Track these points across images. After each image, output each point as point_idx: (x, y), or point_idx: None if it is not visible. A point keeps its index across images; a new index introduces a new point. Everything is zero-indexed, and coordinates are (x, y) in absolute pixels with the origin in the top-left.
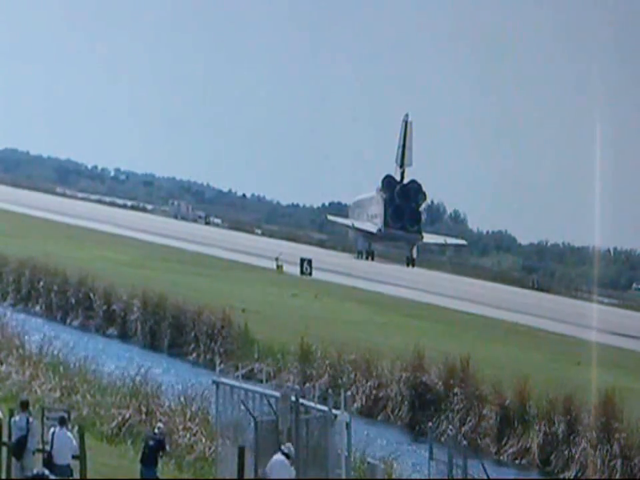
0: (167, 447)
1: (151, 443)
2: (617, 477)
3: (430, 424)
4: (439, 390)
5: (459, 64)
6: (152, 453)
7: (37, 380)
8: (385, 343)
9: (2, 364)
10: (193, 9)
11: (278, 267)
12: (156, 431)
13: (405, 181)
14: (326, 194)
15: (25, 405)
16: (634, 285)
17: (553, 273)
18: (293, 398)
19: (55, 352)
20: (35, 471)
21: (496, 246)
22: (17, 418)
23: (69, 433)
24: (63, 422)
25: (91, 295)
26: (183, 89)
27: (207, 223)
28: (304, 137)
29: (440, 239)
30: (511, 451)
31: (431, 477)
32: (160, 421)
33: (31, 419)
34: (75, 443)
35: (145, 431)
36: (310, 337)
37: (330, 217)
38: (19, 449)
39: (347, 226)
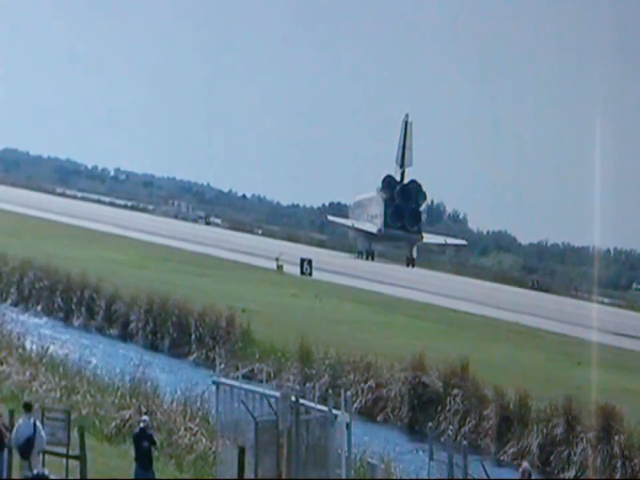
0: (157, 441)
1: (145, 444)
2: (617, 477)
3: (430, 424)
4: (438, 390)
5: (458, 64)
6: (147, 455)
7: (37, 380)
8: (385, 343)
9: (2, 364)
10: (193, 8)
11: (278, 267)
12: (142, 424)
13: (405, 181)
14: (326, 194)
15: (29, 407)
16: (634, 285)
17: (553, 273)
18: (293, 398)
19: (55, 352)
20: (35, 471)
21: (496, 246)
22: (20, 420)
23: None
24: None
25: (92, 295)
26: (183, 89)
27: (207, 223)
28: (304, 137)
29: (440, 239)
30: (511, 451)
31: (431, 477)
32: (145, 413)
33: (37, 421)
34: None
35: (132, 431)
36: (310, 337)
37: (330, 217)
38: (26, 449)
39: (347, 226)
